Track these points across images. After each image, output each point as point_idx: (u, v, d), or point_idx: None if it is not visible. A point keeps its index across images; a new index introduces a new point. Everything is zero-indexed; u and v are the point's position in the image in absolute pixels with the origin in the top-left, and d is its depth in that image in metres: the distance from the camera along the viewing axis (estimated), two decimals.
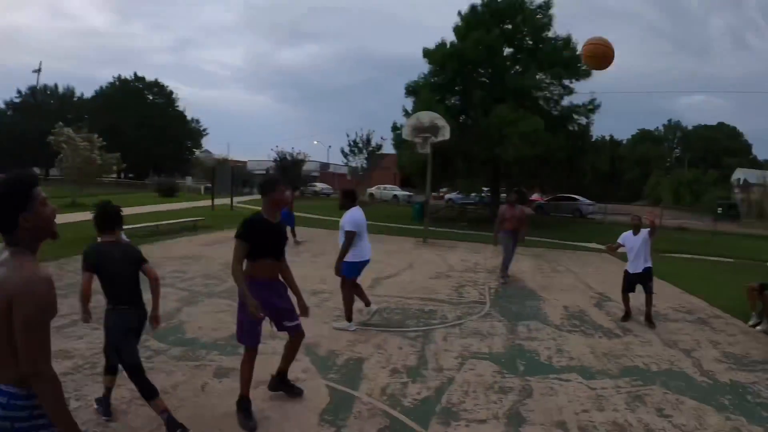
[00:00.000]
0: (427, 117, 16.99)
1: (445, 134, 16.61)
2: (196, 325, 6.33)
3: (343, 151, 40.90)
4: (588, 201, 36.21)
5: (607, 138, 77.68)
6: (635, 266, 7.96)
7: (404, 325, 7.10)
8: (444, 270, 11.85)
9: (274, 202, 4.18)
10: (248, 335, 4.05)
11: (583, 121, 25.47)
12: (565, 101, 25.68)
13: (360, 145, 39.52)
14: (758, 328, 8.12)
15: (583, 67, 24.35)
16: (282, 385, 4.47)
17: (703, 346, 7.07)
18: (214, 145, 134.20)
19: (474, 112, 24.28)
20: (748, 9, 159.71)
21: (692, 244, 20.08)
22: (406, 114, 25.47)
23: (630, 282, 8.10)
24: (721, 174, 65.06)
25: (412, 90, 26.36)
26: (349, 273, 6.55)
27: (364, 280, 9.45)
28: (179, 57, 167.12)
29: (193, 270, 9.79)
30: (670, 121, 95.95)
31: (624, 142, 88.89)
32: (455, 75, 25.12)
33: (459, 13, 26.32)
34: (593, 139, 26.92)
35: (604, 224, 29.18)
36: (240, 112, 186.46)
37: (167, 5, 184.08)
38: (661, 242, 19.79)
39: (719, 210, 38.11)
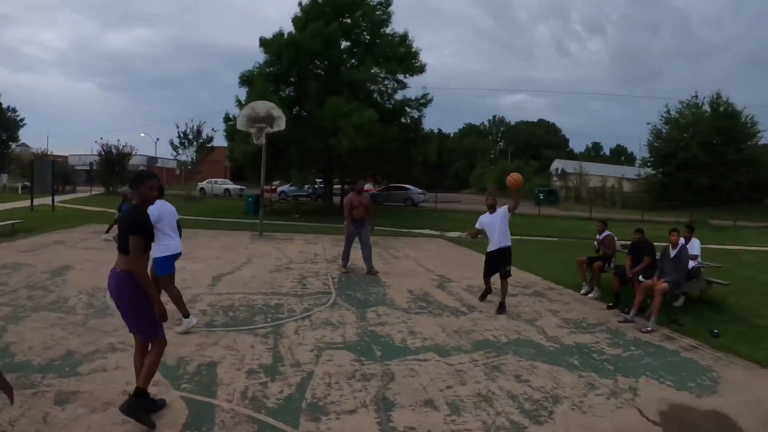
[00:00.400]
0: (262, 107, 16.39)
1: (281, 124, 16.15)
2: (26, 345, 5.33)
3: (172, 144, 38.31)
4: (419, 190, 37.83)
5: (436, 131, 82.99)
6: (492, 244, 8.04)
7: (252, 322, 6.65)
8: (284, 263, 11.41)
9: (143, 197, 3.95)
10: (159, 327, 3.87)
11: (416, 114, 26.51)
12: (399, 95, 26.53)
13: (190, 137, 37.28)
14: (590, 295, 9.00)
15: (417, 63, 25.36)
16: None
17: (544, 315, 7.58)
18: (32, 138, 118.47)
19: (308, 104, 24.10)
20: (571, 21, 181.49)
21: (519, 227, 21.53)
22: (240, 105, 24.73)
23: (490, 264, 8.18)
24: (540, 165, 72.13)
25: (246, 80, 25.57)
26: (162, 269, 6.02)
27: (204, 278, 8.97)
28: None
29: (14, 281, 8.40)
30: (494, 116, 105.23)
31: (452, 135, 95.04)
32: (291, 65, 24.66)
33: (300, 3, 26.28)
34: (424, 132, 27.96)
35: (435, 212, 30.71)
36: (61, 100, 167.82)
37: None
38: None
39: (540, 196, 42.17)
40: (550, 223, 26.14)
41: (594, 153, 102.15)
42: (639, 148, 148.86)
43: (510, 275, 7.98)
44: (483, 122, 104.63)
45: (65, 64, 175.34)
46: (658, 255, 7.92)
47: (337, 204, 24.93)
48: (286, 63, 24.54)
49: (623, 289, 8.28)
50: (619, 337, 6.56)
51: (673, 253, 7.61)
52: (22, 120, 66.04)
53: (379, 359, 5.35)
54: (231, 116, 25.52)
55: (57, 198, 25.82)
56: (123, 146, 41.85)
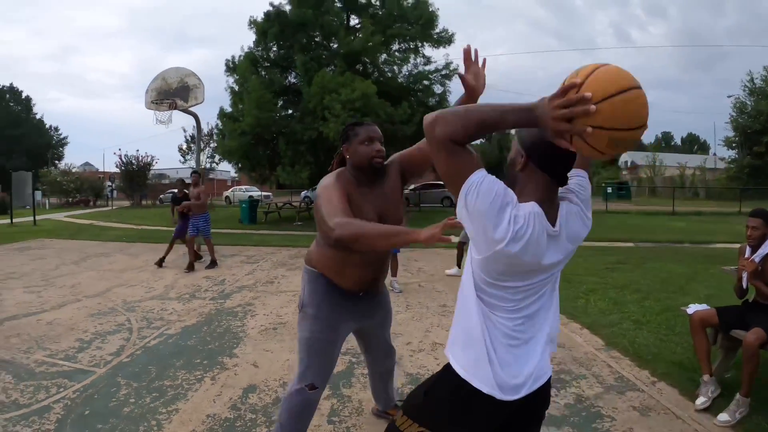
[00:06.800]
0: (175, 75, 11.85)
1: (198, 96, 11.59)
2: None
3: (180, 149, 34.26)
4: None
5: None
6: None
7: None
8: (144, 296, 7.01)
9: None
10: None
11: (439, 89, 20.99)
12: (416, 67, 21.24)
13: (201, 141, 33.10)
14: (721, 419, 3.35)
15: (438, 31, 20.24)
16: None
17: None
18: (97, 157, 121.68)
19: (300, 84, 19.33)
20: (630, 5, 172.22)
21: None
22: (233, 95, 20.37)
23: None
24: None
25: (232, 67, 20.96)
26: None
27: None
28: (61, 65, 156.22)
29: None
30: None
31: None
32: (277, 41, 20.24)
33: None
34: None
35: None
36: (128, 120, 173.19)
37: (45, 10, 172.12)
38: None
39: (609, 190, 36.04)
40: (620, 221, 19.86)
41: (665, 143, 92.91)
42: (714, 135, 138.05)
43: None
44: None
45: (130, 87, 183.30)
46: None
47: None
48: (271, 40, 20.06)
49: None
50: None
51: None
52: (64, 138, 66.27)
53: None
54: (224, 110, 21.08)
55: (78, 212, 27.73)
56: (143, 157, 38.64)
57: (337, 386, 3.91)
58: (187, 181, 9.86)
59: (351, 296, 2.62)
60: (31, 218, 21.25)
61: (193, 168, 32.59)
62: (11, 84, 62.04)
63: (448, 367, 1.73)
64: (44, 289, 7.55)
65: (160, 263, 9.55)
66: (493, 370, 1.61)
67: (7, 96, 60.82)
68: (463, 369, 1.66)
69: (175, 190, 10.22)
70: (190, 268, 9.10)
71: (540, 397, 1.73)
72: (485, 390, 1.61)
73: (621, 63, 1.33)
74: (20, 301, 6.83)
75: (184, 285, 7.91)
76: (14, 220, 21.18)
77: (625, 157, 65.36)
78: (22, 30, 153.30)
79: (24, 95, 62.51)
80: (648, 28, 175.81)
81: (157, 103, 11.78)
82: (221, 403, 3.63)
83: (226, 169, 47.64)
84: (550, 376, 1.76)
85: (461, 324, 1.68)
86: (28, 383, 4.00)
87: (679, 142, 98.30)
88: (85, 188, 42.52)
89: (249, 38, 34.73)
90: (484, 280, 1.58)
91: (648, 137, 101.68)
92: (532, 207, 1.50)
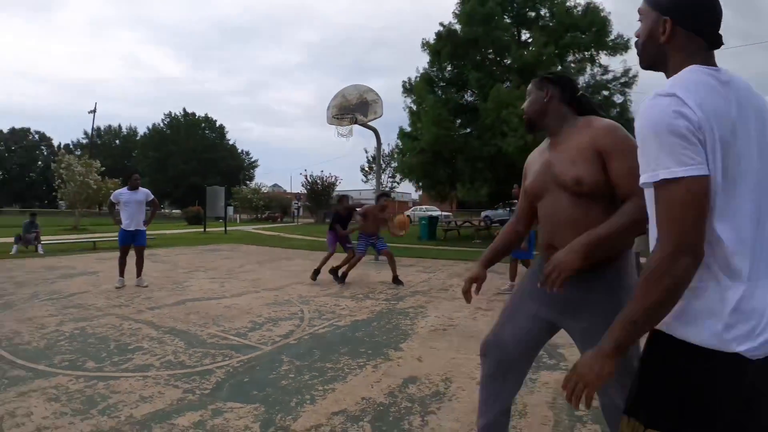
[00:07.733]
0: (354, 91, 12.59)
1: (377, 111, 12.07)
2: None
3: (362, 169, 36.10)
4: None
5: None
6: None
7: None
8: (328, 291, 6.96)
9: None
10: None
11: (619, 99, 19.70)
12: (590, 77, 20.33)
13: (381, 161, 34.50)
14: None
15: (612, 37, 19.13)
16: None
17: None
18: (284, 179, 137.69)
19: (477, 101, 19.44)
20: None
21: None
22: (411, 115, 21.27)
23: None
24: None
25: (409, 88, 21.81)
26: None
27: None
28: (251, 98, 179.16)
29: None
30: None
31: None
32: (450, 61, 20.58)
33: None
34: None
35: None
36: (314, 145, 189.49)
37: (233, 52, 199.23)
38: None
39: None
40: None
41: None
42: None
43: None
44: None
45: (314, 118, 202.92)
46: None
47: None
48: (445, 59, 20.40)
49: None
50: None
51: None
52: (255, 161, 73.53)
53: None
54: (404, 130, 22.22)
55: (266, 226, 31.40)
56: (327, 177, 41.47)
57: None
58: (357, 201, 9.65)
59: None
60: (223, 228, 23.66)
61: (383, 191, 34.19)
62: (206, 114, 70.10)
63: (653, 334, 1.25)
64: (227, 281, 8.31)
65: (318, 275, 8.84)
66: (720, 313, 1.12)
67: (203, 125, 68.64)
68: (665, 324, 1.19)
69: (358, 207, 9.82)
70: (342, 279, 8.51)
71: None
72: (711, 345, 1.12)
73: None
74: (204, 288, 7.77)
75: (359, 287, 8.24)
76: (207, 229, 23.82)
77: None
78: (214, 70, 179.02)
79: (218, 124, 70.38)
80: None
81: (338, 118, 12.46)
82: (378, 389, 3.59)
83: (407, 191, 49.14)
84: None
85: None
86: (197, 350, 4.42)
87: None
88: (273, 205, 46.69)
89: (423, 60, 36.08)
90: None
91: None
92: (691, 73, 1.20)
